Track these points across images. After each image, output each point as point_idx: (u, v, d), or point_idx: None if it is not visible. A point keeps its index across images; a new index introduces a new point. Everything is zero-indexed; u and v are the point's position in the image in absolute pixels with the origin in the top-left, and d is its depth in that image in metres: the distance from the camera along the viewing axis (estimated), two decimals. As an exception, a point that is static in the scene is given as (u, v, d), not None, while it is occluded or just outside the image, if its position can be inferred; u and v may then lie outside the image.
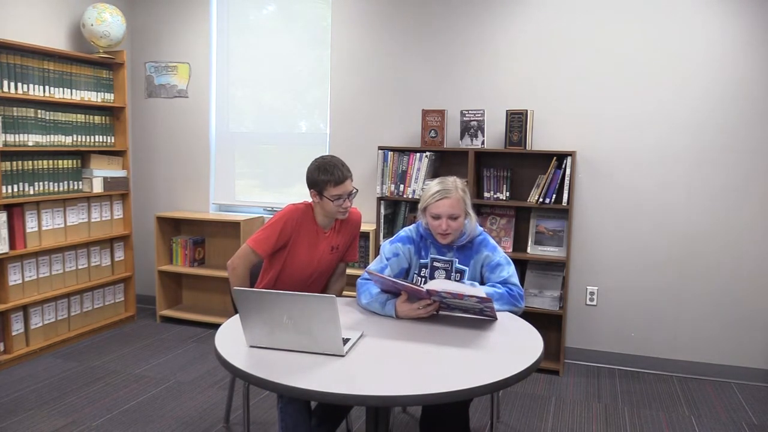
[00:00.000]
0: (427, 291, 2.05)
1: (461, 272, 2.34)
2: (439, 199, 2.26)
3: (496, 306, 2.14)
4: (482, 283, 2.35)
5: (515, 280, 2.29)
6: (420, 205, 2.36)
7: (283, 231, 2.45)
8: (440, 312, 2.19)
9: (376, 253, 3.80)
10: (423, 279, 2.37)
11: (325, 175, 2.39)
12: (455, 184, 2.31)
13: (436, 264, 2.35)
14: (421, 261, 2.37)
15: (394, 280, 2.10)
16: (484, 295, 1.97)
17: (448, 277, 2.35)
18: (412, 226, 2.43)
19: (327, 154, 2.51)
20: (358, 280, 2.33)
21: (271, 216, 4.37)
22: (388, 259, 2.35)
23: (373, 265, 2.37)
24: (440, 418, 2.14)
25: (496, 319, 2.15)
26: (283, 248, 2.50)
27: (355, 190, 2.47)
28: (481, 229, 2.41)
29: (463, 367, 1.74)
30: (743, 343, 3.50)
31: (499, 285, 2.27)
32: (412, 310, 2.12)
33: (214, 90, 4.48)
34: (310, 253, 2.52)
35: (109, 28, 3.98)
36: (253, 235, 2.47)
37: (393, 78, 3.99)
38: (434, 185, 2.32)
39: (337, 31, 4.08)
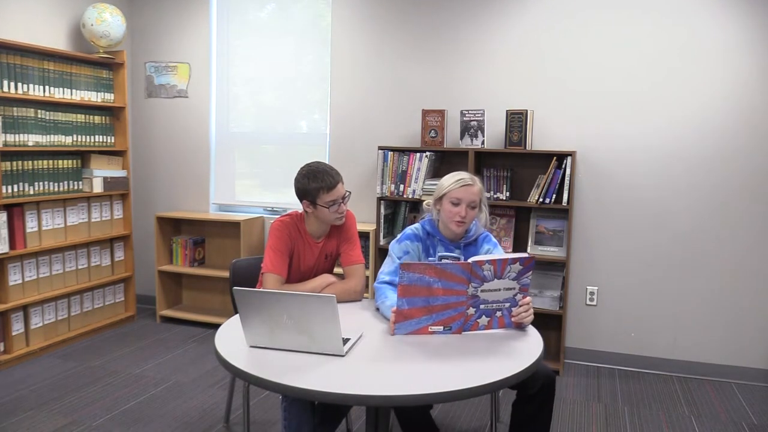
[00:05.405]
0: (474, 262, 1.91)
1: None
2: (462, 185, 2.27)
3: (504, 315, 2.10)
4: None
5: None
6: (436, 194, 2.34)
7: (287, 244, 2.39)
8: (463, 332, 2.03)
9: (377, 252, 3.80)
10: None
11: (316, 182, 2.31)
12: (473, 177, 2.33)
13: (444, 261, 2.34)
14: (429, 259, 2.36)
15: (429, 263, 1.92)
16: (526, 255, 1.92)
17: None
18: (416, 225, 2.40)
19: (313, 161, 2.40)
20: (375, 284, 2.30)
21: (271, 218, 4.38)
22: (399, 258, 2.33)
23: (385, 267, 2.35)
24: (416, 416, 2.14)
25: (520, 327, 2.05)
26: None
27: (348, 193, 2.41)
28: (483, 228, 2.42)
29: (463, 367, 1.74)
30: (743, 343, 3.50)
31: None
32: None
33: (214, 90, 4.48)
34: (306, 265, 2.47)
35: (109, 28, 3.98)
36: (265, 262, 2.36)
37: (393, 78, 3.99)
38: (455, 174, 2.32)
39: (337, 31, 4.08)
